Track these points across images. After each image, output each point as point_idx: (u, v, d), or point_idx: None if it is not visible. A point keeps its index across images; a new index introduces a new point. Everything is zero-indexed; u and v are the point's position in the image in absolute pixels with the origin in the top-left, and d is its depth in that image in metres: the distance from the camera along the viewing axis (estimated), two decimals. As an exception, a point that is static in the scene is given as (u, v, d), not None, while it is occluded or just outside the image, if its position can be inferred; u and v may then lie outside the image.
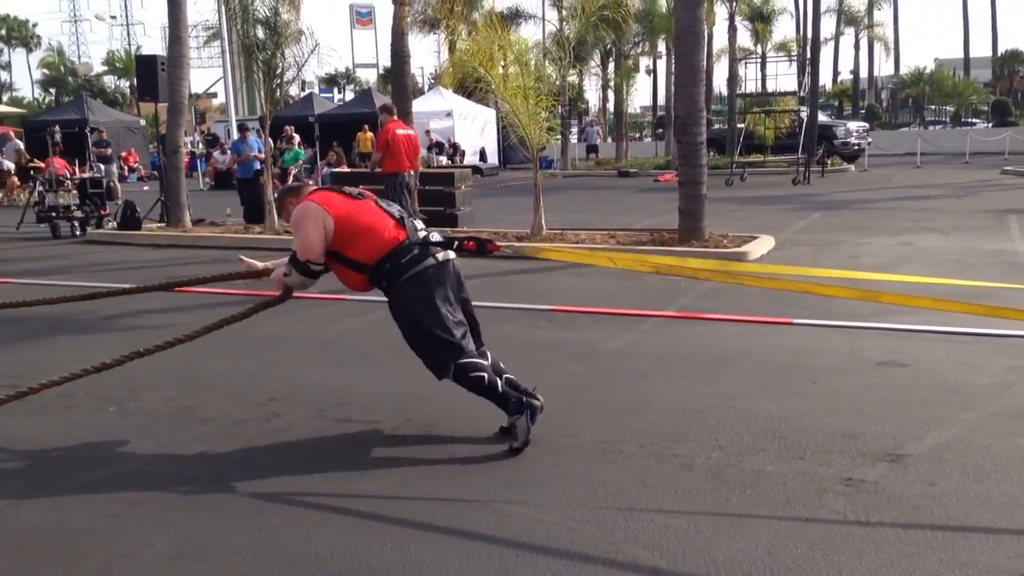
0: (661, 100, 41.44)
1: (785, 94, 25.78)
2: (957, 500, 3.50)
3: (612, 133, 41.69)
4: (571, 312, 7.32)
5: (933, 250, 10.26)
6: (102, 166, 20.15)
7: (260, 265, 4.73)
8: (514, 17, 30.81)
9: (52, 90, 74.21)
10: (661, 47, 33.98)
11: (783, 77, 26.44)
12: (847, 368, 5.45)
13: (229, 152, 21.00)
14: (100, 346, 6.51)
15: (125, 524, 3.48)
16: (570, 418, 4.60)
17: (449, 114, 30.26)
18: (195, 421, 4.75)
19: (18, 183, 21.78)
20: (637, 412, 4.67)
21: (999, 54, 61.89)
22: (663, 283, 7.86)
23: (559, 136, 24.70)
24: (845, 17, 52.49)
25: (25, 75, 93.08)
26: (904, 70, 62.56)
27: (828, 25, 50.22)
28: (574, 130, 40.96)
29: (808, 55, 27.34)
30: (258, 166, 15.17)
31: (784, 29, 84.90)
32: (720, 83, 40.57)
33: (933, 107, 59.77)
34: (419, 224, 4.32)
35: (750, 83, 30.58)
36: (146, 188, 23.97)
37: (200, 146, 23.80)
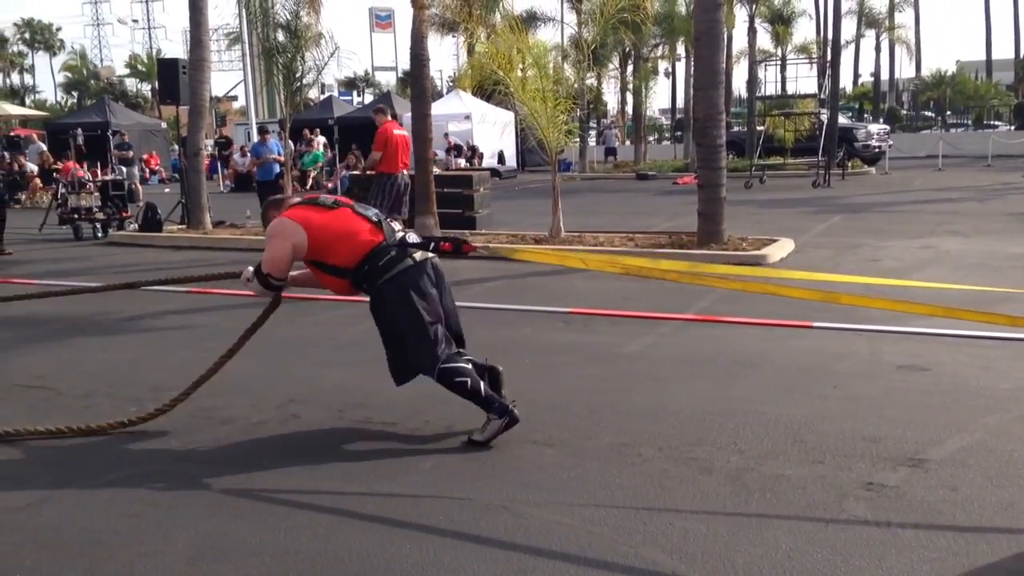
0: (680, 103, 41.35)
1: (805, 96, 25.65)
2: (979, 505, 3.47)
3: (631, 136, 41.60)
4: (588, 314, 7.31)
5: (955, 253, 10.18)
6: (124, 168, 20.35)
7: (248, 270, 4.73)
8: (531, 20, 30.81)
9: (75, 93, 74.91)
10: (680, 49, 33.82)
11: (803, 79, 26.24)
12: (868, 372, 5.42)
13: (249, 155, 21.12)
14: (121, 347, 6.57)
15: (146, 524, 3.50)
16: (588, 421, 4.59)
17: (468, 117, 30.29)
18: (215, 422, 4.77)
19: (41, 185, 22.00)
20: (655, 415, 4.65)
21: (1022, 56, 61.30)
22: (681, 286, 7.82)
23: (577, 139, 24.66)
24: (866, 19, 52.18)
25: (48, 78, 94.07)
26: (926, 72, 62.08)
27: (849, 27, 49.93)
28: (592, 133, 40.92)
29: (828, 57, 27.22)
30: (278, 169, 15.25)
31: (804, 31, 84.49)
32: (739, 85, 40.53)
33: (955, 110, 59.30)
34: (397, 226, 4.43)
35: (770, 85, 30.32)
36: (167, 190, 24.13)
37: (211, 148, 23.81)
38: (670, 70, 49.67)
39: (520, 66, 12.26)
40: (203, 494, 3.80)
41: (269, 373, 5.79)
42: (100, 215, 14.89)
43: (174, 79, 14.41)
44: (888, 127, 33.26)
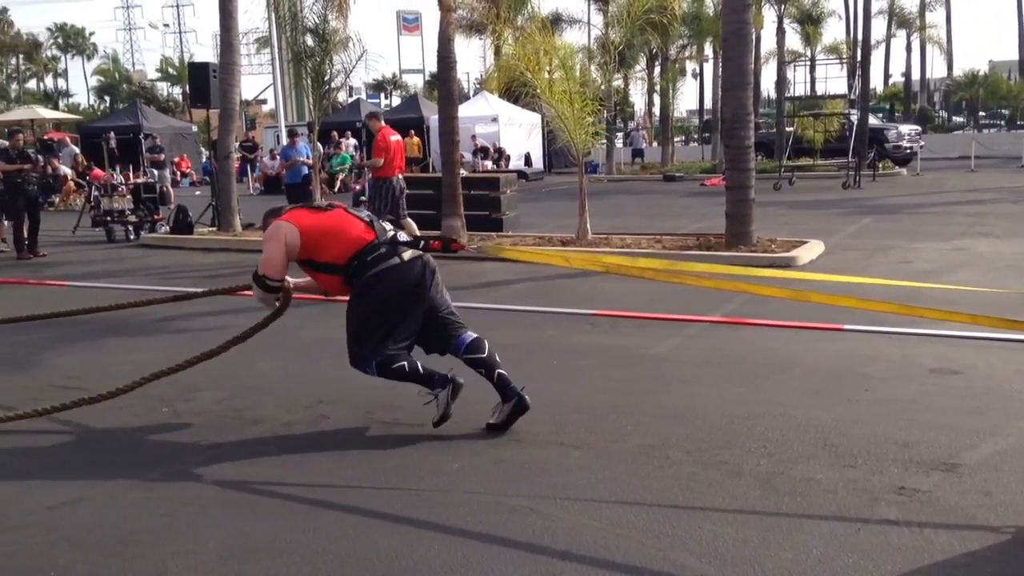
0: (707, 103, 41.12)
1: (835, 97, 25.42)
2: (1014, 510, 3.42)
3: (658, 137, 41.45)
4: (615, 316, 7.29)
5: (988, 255, 10.05)
6: (155, 171, 20.54)
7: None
8: (556, 22, 30.76)
9: (107, 97, 75.89)
10: (708, 50, 33.69)
11: (833, 80, 26.10)
12: (899, 375, 5.36)
13: (279, 157, 21.28)
14: (152, 348, 6.65)
15: (178, 523, 3.54)
16: (615, 423, 4.59)
17: (495, 119, 30.33)
18: (245, 422, 4.82)
19: (74, 188, 22.30)
20: (683, 418, 4.64)
21: (1056, 56, 60.39)
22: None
23: (604, 141, 24.61)
24: (897, 19, 51.56)
25: (81, 82, 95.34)
26: (958, 72, 61.34)
27: (879, 27, 49.38)
28: (620, 134, 40.83)
29: (858, 57, 26.97)
30: (306, 171, 15.35)
31: (834, 31, 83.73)
32: (768, 86, 40.24)
33: (988, 110, 58.52)
34: (388, 226, 4.59)
35: (799, 86, 30.12)
36: (198, 193, 24.38)
37: (236, 151, 23.99)
38: (698, 71, 49.41)
39: (547, 68, 12.27)
40: (234, 494, 3.83)
41: (299, 373, 5.83)
42: (132, 217, 15.07)
43: (205, 83, 14.56)
44: (919, 128, 32.87)
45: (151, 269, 11.34)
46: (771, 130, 29.27)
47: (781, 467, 3.93)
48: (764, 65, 33.22)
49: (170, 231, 14.74)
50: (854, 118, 22.32)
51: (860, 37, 28.53)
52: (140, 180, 17.05)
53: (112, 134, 19.65)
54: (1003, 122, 54.89)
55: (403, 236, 4.55)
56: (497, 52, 18.48)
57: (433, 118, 23.28)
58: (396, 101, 60.83)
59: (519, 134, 31.73)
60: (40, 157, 13.99)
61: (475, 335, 4.56)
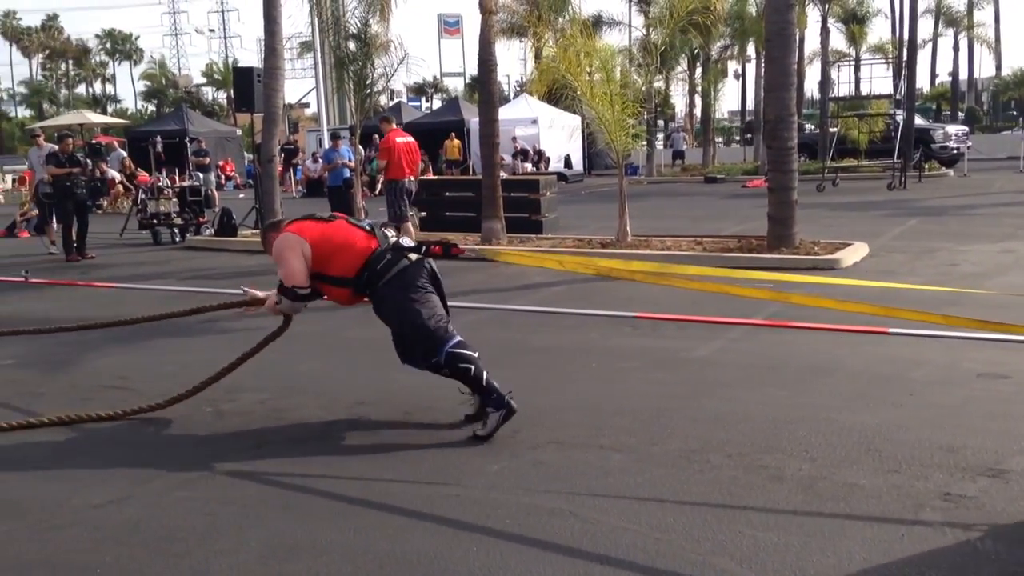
0: (749, 104, 40.76)
1: (880, 97, 25.06)
2: (1064, 519, 3.35)
3: (699, 138, 41.19)
4: (656, 319, 7.26)
5: (1038, 258, 9.85)
6: (201, 175, 20.86)
7: (260, 295, 5.03)
8: (597, 24, 30.67)
9: (154, 101, 77.23)
10: (750, 50, 33.41)
11: (878, 80, 25.76)
12: (945, 380, 5.27)
13: (321, 160, 21.49)
14: (199, 348, 6.75)
15: (221, 522, 3.59)
16: (655, 426, 4.56)
17: (535, 121, 30.35)
18: (287, 422, 4.87)
19: (122, 191, 22.70)
20: (724, 421, 4.60)
21: (1109, 53, 58.97)
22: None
23: (644, 142, 24.50)
24: (944, 18, 50.78)
25: (129, 87, 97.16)
26: (1006, 71, 60.22)
27: (926, 26, 48.69)
28: (660, 136, 40.62)
29: (904, 57, 26.55)
30: (347, 174, 15.48)
31: (879, 30, 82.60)
32: (811, 87, 39.73)
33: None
34: (390, 232, 4.71)
35: (843, 86, 29.75)
36: (241, 196, 24.69)
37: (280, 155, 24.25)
38: (740, 71, 48.98)
39: (587, 70, 12.25)
40: (275, 493, 3.88)
41: (340, 374, 5.89)
42: (178, 220, 15.31)
43: (249, 87, 14.74)
44: (967, 128, 32.30)
45: (196, 271, 11.51)
46: (814, 131, 28.96)
47: (824, 472, 3.88)
48: (808, 65, 32.83)
49: (215, 234, 14.95)
50: (899, 118, 21.96)
51: (906, 36, 28.10)
52: (186, 183, 17.32)
53: (159, 138, 19.96)
54: (1054, 122, 53.74)
55: (406, 241, 4.69)
56: (538, 55, 18.48)
57: (473, 121, 23.37)
58: (437, 104, 61.16)
59: (559, 136, 31.72)
60: (89, 161, 14.24)
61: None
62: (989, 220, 13.82)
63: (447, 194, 15.02)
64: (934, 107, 57.45)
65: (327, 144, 18.74)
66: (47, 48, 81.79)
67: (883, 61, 28.45)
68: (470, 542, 3.33)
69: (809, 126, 32.43)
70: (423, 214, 14.75)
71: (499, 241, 12.35)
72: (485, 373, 4.46)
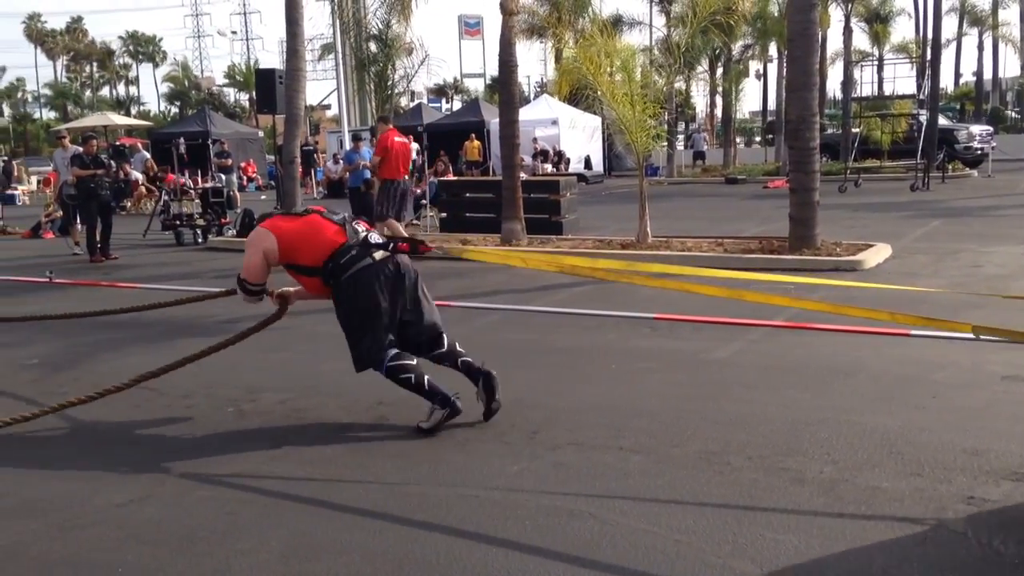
0: (771, 104, 40.58)
1: (903, 97, 24.87)
2: (1090, 524, 3.31)
3: (720, 139, 41.00)
4: (675, 320, 7.23)
5: (1064, 259, 9.73)
6: (223, 176, 20.97)
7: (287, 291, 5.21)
8: (617, 23, 30.62)
9: (177, 103, 77.80)
10: (772, 50, 33.24)
11: (901, 80, 25.58)
12: (969, 382, 5.22)
13: (342, 161, 21.58)
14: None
15: (242, 522, 3.61)
16: (675, 428, 4.55)
17: (555, 122, 30.32)
18: (307, 423, 4.90)
19: (145, 192, 22.89)
20: (744, 423, 4.58)
21: None
22: (771, 292, 7.68)
23: (665, 143, 24.42)
24: (968, 17, 50.33)
25: (152, 89, 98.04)
26: (1032, 70, 59.50)
27: (950, 25, 48.28)
28: (681, 136, 40.48)
29: (928, 56, 26.33)
30: (368, 175, 15.52)
31: (903, 30, 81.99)
32: (834, 87, 39.53)
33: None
34: (360, 228, 4.79)
35: (866, 86, 29.59)
36: (263, 197, 24.84)
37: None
38: (761, 71, 48.77)
39: (608, 71, 12.24)
40: (296, 493, 3.90)
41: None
42: (200, 221, 15.41)
43: (271, 89, 14.84)
44: (991, 128, 31.95)
45: (218, 271, 11.58)
46: (836, 131, 28.75)
47: (845, 475, 3.85)
48: (830, 66, 32.69)
49: (237, 234, 15.02)
50: (923, 118, 21.78)
51: (930, 35, 27.87)
52: (208, 185, 17.44)
53: (182, 140, 20.06)
54: (1081, 121, 53.11)
55: (375, 237, 4.78)
56: (558, 56, 18.53)
57: (494, 122, 23.40)
58: (457, 105, 61.25)
59: (579, 137, 31.69)
60: (112, 163, 14.37)
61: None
62: (1014, 221, 13.68)
63: (467, 195, 15.04)
64: (958, 107, 56.88)
65: (348, 145, 18.83)
66: (71, 50, 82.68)
67: (906, 61, 28.26)
68: (489, 544, 3.33)
69: (831, 127, 32.19)
70: (443, 215, 14.78)
71: (519, 242, 12.36)
72: (427, 378, 4.61)
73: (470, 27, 64.64)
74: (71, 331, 7.52)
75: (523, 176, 14.49)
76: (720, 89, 34.66)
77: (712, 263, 9.62)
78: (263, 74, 15.99)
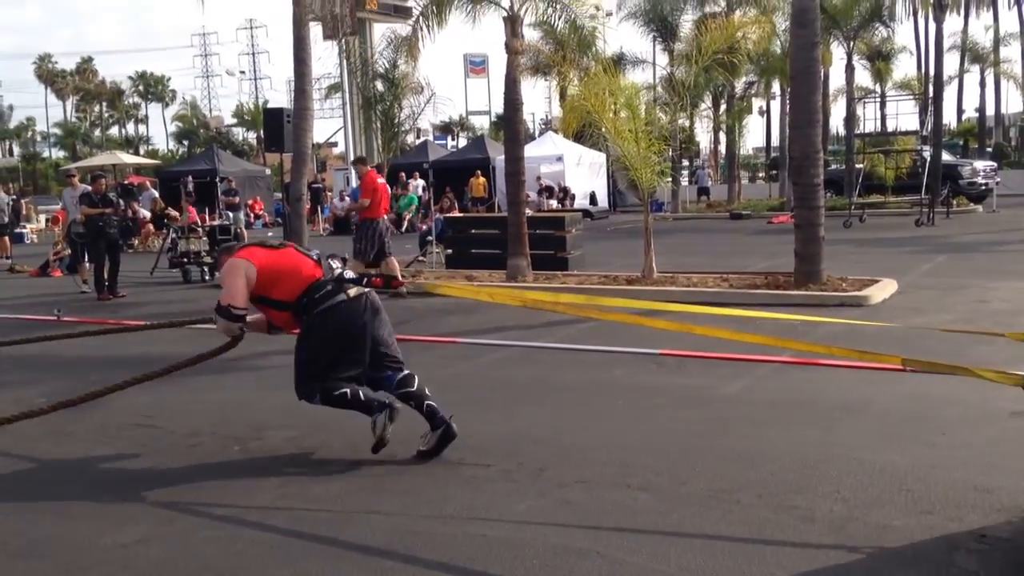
0: (775, 140, 40.75)
1: (906, 133, 24.98)
2: (1104, 562, 3.28)
3: (724, 175, 41.17)
4: (681, 356, 7.22)
5: (1071, 294, 9.71)
6: (231, 214, 21.11)
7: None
8: (619, 61, 30.89)
9: (185, 142, 78.46)
10: (775, 87, 33.47)
11: (904, 116, 25.72)
12: (978, 418, 5.20)
13: (348, 198, 21.70)
14: (227, 387, 6.79)
15: (248, 561, 3.60)
16: (683, 466, 4.53)
17: (560, 158, 30.52)
18: (315, 461, 4.88)
19: (153, 230, 23.02)
20: (753, 461, 4.56)
21: None
22: (778, 328, 7.67)
23: (670, 179, 24.55)
24: (970, 54, 50.62)
25: (160, 128, 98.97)
26: (1034, 106, 59.70)
27: (951, 62, 48.55)
28: (685, 172, 40.64)
29: (931, 93, 26.50)
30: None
31: (905, 67, 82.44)
32: (837, 123, 39.65)
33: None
34: (335, 264, 4.85)
35: (869, 122, 29.70)
36: (270, 234, 24.92)
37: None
38: (764, 108, 49.04)
39: (612, 108, 12.33)
40: (303, 532, 3.88)
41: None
42: (208, 259, 15.48)
43: (279, 128, 14.97)
44: (995, 164, 32.07)
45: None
46: (840, 167, 28.87)
47: (855, 513, 3.83)
48: (833, 102, 32.83)
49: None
50: (927, 154, 21.86)
51: (932, 72, 28.08)
52: (216, 222, 17.54)
53: (190, 177, 20.22)
54: (1084, 157, 53.20)
55: (348, 273, 4.85)
56: (563, 94, 18.69)
57: (499, 158, 23.54)
58: (462, 142, 61.66)
59: (584, 173, 31.86)
60: (121, 201, 14.47)
61: (406, 372, 4.83)
62: (1019, 256, 13.68)
63: (473, 231, 15.10)
64: (961, 143, 57.08)
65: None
66: (81, 90, 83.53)
67: (909, 97, 28.39)
68: (497, 583, 3.31)
69: (834, 163, 32.33)
70: (449, 251, 14.83)
71: (524, 278, 12.38)
72: (361, 392, 4.72)
73: (475, 66, 65.27)
74: (79, 369, 7.54)
75: (528, 212, 14.56)
76: (724, 125, 34.86)
77: (718, 299, 9.62)
78: (271, 113, 16.14)
